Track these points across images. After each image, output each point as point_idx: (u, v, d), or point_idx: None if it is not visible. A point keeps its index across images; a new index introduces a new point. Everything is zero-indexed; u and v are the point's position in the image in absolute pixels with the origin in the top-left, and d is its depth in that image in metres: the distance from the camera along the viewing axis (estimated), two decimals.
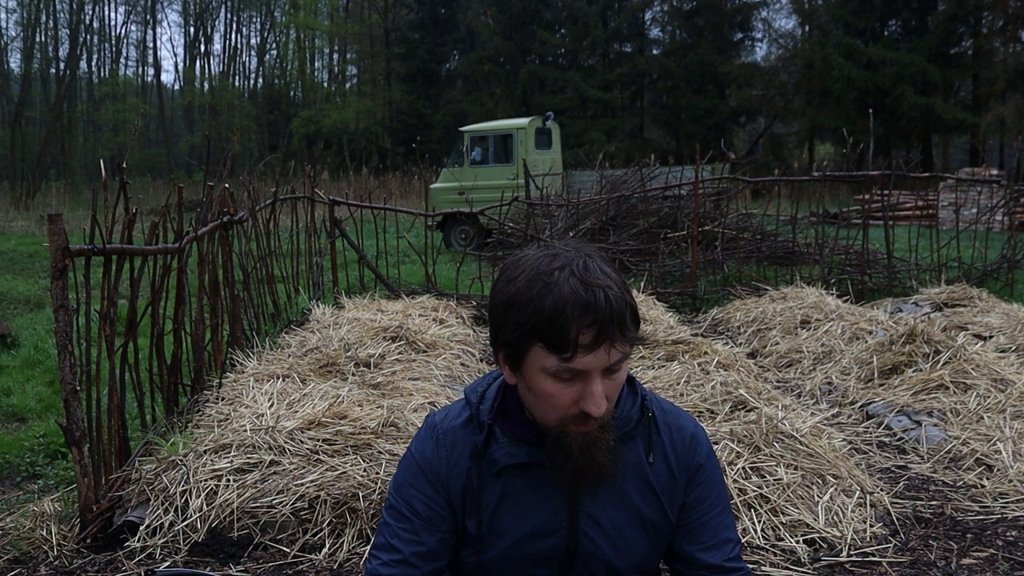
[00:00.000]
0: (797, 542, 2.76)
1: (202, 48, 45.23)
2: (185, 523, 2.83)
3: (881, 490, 3.20)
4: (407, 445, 1.79)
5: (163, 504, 2.92)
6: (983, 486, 3.28)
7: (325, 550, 2.80)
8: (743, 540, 2.77)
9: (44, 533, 2.94)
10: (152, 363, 3.79)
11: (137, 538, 2.84)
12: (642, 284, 7.82)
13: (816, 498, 2.96)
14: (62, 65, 38.41)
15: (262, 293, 5.99)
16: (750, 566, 2.39)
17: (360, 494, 2.92)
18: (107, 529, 2.94)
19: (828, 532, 2.81)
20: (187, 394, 4.20)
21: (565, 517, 1.41)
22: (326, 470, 3.01)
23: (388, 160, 32.44)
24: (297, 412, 3.45)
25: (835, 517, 2.89)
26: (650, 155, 13.20)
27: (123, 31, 50.54)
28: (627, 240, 9.18)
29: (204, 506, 2.87)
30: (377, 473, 3.02)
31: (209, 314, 4.61)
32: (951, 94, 26.05)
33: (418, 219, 9.32)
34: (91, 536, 2.90)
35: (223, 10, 44.32)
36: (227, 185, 5.03)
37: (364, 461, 3.08)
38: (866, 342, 5.21)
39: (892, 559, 2.71)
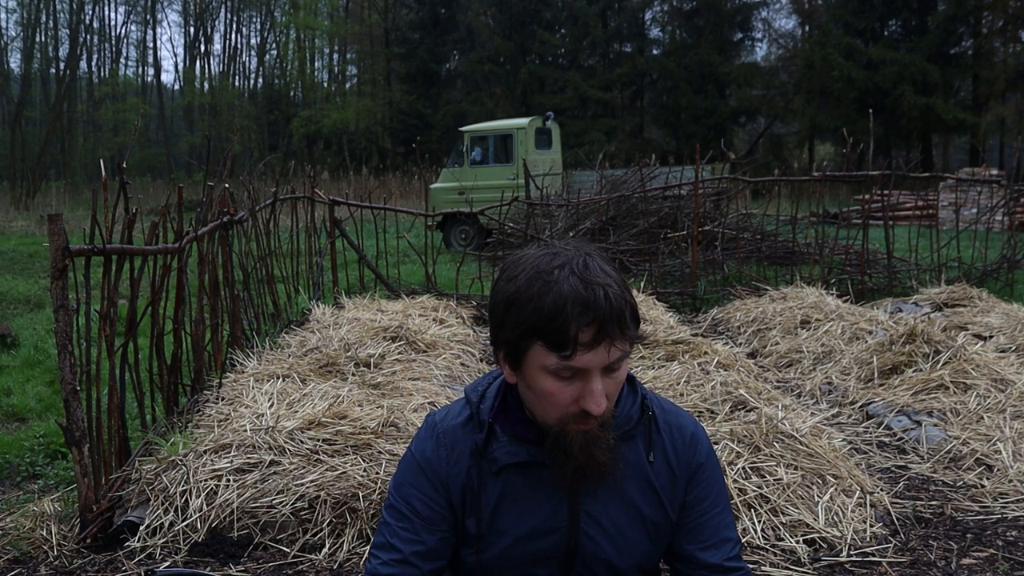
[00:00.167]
0: (797, 542, 2.76)
1: (202, 48, 45.28)
2: (185, 523, 2.83)
3: (881, 490, 3.20)
4: (407, 445, 1.79)
5: (163, 504, 2.92)
6: (983, 486, 3.28)
7: (325, 550, 2.80)
8: (743, 540, 2.76)
9: (44, 533, 2.94)
10: (152, 363, 3.79)
11: (137, 538, 2.84)
12: (642, 284, 7.82)
13: (816, 498, 2.96)
14: (62, 65, 38.44)
15: (262, 293, 5.99)
16: (750, 566, 2.39)
17: (360, 494, 2.92)
18: (107, 529, 2.94)
19: (828, 532, 2.81)
20: (187, 394, 4.20)
21: (565, 516, 1.41)
22: (326, 470, 3.01)
23: (388, 160, 32.43)
24: (297, 412, 3.45)
25: (835, 517, 2.89)
26: (650, 155, 13.18)
27: (123, 31, 50.59)
28: (627, 240, 9.18)
29: (204, 506, 2.87)
30: (377, 473, 3.02)
31: (209, 314, 4.61)
32: (951, 94, 26.06)
33: (418, 219, 9.32)
34: (91, 536, 2.90)
35: (223, 10, 44.36)
36: (227, 185, 5.03)
37: (364, 461, 3.08)
38: (866, 342, 5.21)
39: (892, 559, 2.71)
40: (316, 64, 44.61)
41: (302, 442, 3.17)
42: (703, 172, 9.13)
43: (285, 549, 2.81)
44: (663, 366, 4.53)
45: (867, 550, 2.75)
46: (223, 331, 4.83)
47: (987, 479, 3.34)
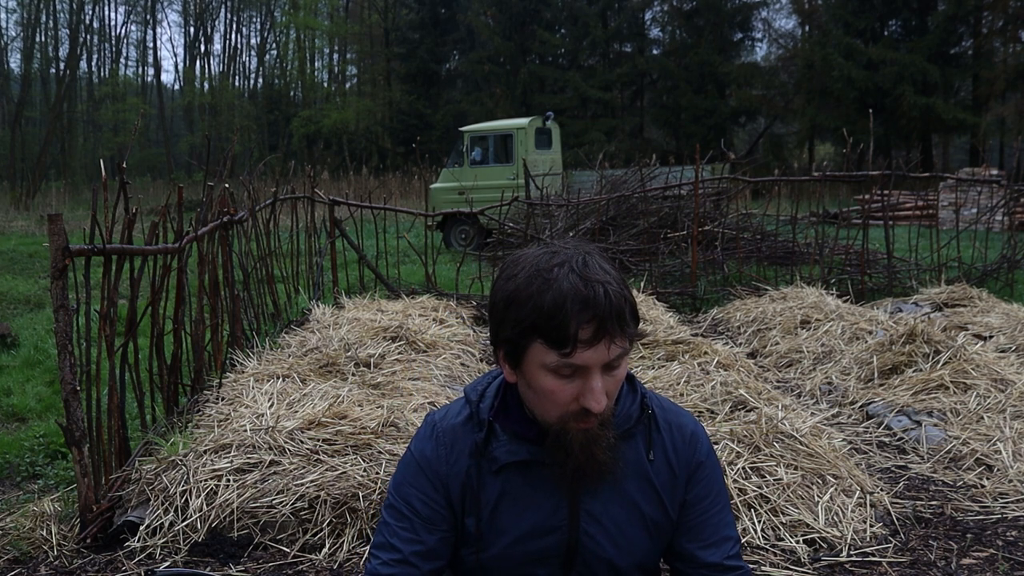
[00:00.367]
0: (797, 542, 2.76)
1: (202, 48, 45.29)
2: (185, 523, 2.83)
3: (881, 490, 3.20)
4: (407, 445, 1.79)
5: (163, 504, 2.92)
6: (983, 486, 3.28)
7: (325, 550, 2.80)
8: (743, 540, 2.76)
9: (44, 533, 2.94)
10: (152, 363, 3.79)
11: (137, 538, 2.84)
12: (642, 284, 7.82)
13: (816, 498, 2.96)
14: (62, 65, 38.45)
15: (262, 293, 5.99)
16: (750, 566, 2.39)
17: (360, 494, 2.92)
18: (107, 529, 2.94)
19: (828, 532, 2.81)
20: (187, 394, 4.20)
21: (565, 515, 1.41)
22: (326, 470, 3.01)
23: (388, 160, 32.42)
24: (297, 412, 3.45)
25: (835, 517, 2.89)
26: (650, 155, 13.19)
27: (123, 31, 50.61)
28: (627, 240, 9.18)
29: (204, 506, 2.87)
30: (377, 473, 3.02)
31: (209, 314, 4.61)
32: (951, 94, 26.04)
33: (418, 219, 9.32)
34: (91, 536, 2.90)
35: (223, 10, 44.38)
36: (227, 185, 5.03)
37: (364, 461, 3.08)
38: (866, 342, 5.21)
39: (892, 559, 2.71)
40: (316, 64, 44.69)
41: (302, 442, 3.17)
42: (703, 172, 9.13)
43: (285, 549, 2.81)
44: (663, 366, 4.53)
45: (867, 550, 2.75)
46: (223, 331, 4.83)
47: (987, 479, 3.34)
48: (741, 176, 9.96)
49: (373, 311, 5.94)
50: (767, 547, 2.76)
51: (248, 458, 3.07)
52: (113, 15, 57.09)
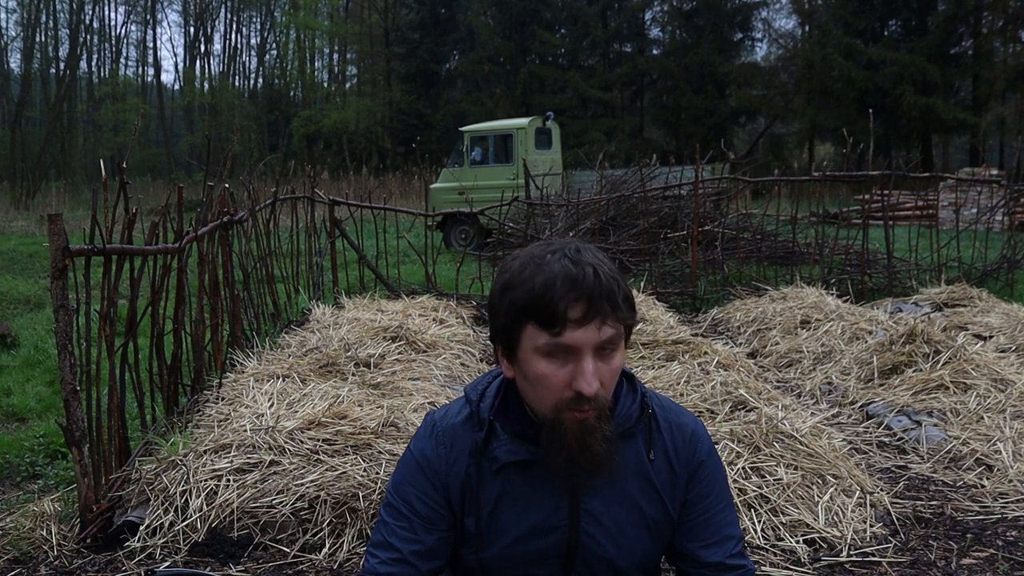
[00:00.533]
0: (797, 542, 2.76)
1: (202, 48, 45.29)
2: (185, 523, 2.83)
3: (881, 490, 3.20)
4: (407, 444, 1.79)
5: (163, 504, 2.92)
6: (983, 486, 3.28)
7: (325, 550, 2.80)
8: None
9: (44, 533, 2.94)
10: (152, 363, 3.79)
11: (137, 538, 2.83)
12: (642, 284, 7.82)
13: (816, 498, 2.96)
14: (62, 65, 38.44)
15: (262, 293, 5.99)
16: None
17: (360, 494, 2.92)
18: (107, 529, 2.93)
19: (828, 532, 2.81)
20: (187, 394, 4.20)
21: (566, 515, 1.41)
22: (326, 470, 3.01)
23: (388, 160, 32.42)
24: (297, 412, 3.45)
25: (835, 517, 2.89)
26: (650, 155, 13.19)
27: (123, 31, 50.62)
28: (627, 240, 9.18)
29: (204, 506, 2.87)
30: (377, 473, 3.02)
31: (209, 314, 4.61)
32: (951, 94, 26.04)
33: (418, 219, 9.32)
34: (91, 536, 2.90)
35: (223, 10, 44.38)
36: (227, 185, 5.03)
37: (364, 461, 3.08)
38: (866, 342, 5.21)
39: (892, 559, 2.71)
40: (316, 64, 44.69)
41: (302, 442, 3.17)
42: (703, 172, 9.13)
43: (285, 549, 2.81)
44: (663, 366, 4.53)
45: (867, 550, 2.75)
46: (223, 331, 4.83)
47: (987, 479, 3.34)
48: (741, 176, 9.95)
49: (373, 311, 5.94)
50: (767, 547, 2.76)
51: (248, 458, 3.07)
52: (113, 15, 57.14)
